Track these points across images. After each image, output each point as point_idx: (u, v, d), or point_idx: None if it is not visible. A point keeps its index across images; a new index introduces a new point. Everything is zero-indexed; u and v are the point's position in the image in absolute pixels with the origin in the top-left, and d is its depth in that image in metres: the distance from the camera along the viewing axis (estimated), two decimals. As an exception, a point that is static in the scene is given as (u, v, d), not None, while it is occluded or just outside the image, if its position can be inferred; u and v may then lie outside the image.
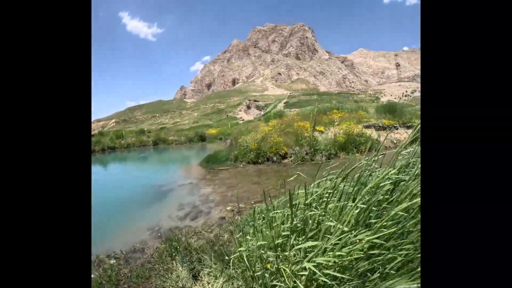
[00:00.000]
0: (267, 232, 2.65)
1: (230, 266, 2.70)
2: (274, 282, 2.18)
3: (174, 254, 3.54)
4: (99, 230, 4.76)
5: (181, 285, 2.81)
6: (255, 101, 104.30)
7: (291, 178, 2.93)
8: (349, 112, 16.93)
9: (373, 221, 2.17)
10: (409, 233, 2.08)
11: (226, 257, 2.83)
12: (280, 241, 2.36)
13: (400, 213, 1.98)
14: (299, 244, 2.14)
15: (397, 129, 15.57)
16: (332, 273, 1.87)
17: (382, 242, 1.94)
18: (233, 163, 10.97)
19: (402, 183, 2.48)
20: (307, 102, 72.29)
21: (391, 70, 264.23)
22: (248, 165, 10.69)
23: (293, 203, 2.43)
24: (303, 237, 2.29)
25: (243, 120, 63.65)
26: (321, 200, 2.58)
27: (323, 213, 2.34)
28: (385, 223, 1.97)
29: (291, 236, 2.31)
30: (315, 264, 1.94)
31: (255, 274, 2.32)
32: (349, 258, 1.86)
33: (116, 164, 16.75)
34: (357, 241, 1.90)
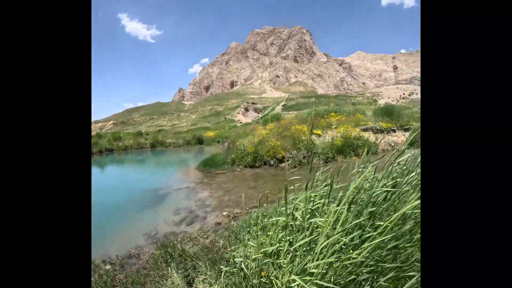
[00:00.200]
0: (262, 239, 2.65)
1: (224, 274, 2.69)
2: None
3: (169, 260, 3.53)
4: (95, 234, 4.73)
5: (175, 292, 2.80)
6: (253, 103, 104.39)
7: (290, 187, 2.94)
8: (347, 115, 16.98)
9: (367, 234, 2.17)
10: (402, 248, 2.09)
11: (222, 267, 2.83)
12: (274, 247, 2.37)
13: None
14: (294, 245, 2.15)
15: (394, 132, 15.64)
16: (324, 283, 1.88)
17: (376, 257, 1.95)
18: (230, 166, 10.95)
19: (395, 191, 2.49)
20: (305, 105, 72.42)
21: (389, 72, 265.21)
22: (245, 168, 10.67)
23: (288, 210, 2.45)
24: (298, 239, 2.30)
25: (241, 122, 63.66)
26: (313, 206, 2.59)
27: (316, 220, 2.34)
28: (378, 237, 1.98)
29: (285, 242, 2.32)
30: (306, 274, 1.95)
31: (250, 284, 2.32)
32: (340, 265, 1.87)
33: (113, 166, 16.69)
34: (350, 252, 1.91)
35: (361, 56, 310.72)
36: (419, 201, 2.08)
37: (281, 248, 2.37)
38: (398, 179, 2.60)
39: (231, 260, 2.73)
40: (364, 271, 1.98)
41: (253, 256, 2.44)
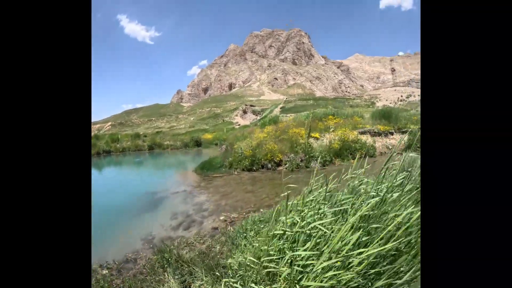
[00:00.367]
0: (258, 246, 2.67)
1: (221, 281, 2.70)
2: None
3: (166, 265, 3.53)
4: (92, 237, 4.72)
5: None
6: (251, 106, 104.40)
7: (282, 194, 2.96)
8: (345, 118, 17.01)
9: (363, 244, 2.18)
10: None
11: (217, 273, 2.84)
12: (269, 258, 2.37)
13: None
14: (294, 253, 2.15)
15: (392, 134, 15.69)
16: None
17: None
18: (227, 170, 10.95)
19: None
20: (303, 107, 72.46)
21: (387, 75, 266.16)
22: (243, 172, 10.67)
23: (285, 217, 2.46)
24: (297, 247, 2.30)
25: (239, 125, 63.67)
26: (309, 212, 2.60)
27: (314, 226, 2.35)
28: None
29: (285, 249, 2.33)
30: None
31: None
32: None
33: (111, 168, 16.66)
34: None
35: (359, 58, 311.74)
36: (413, 208, 2.12)
37: (281, 257, 2.37)
38: (390, 184, 2.62)
39: (229, 268, 2.75)
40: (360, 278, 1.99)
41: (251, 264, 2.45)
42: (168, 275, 3.23)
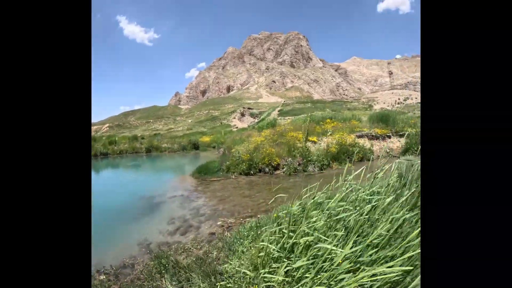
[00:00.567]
0: (255, 253, 2.68)
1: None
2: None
3: (163, 271, 3.54)
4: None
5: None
6: (249, 108, 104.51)
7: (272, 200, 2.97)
8: (343, 122, 17.07)
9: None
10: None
11: (214, 280, 2.85)
12: (266, 269, 2.38)
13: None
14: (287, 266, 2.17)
15: (390, 138, 15.74)
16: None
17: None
18: (225, 174, 10.94)
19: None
20: (301, 110, 72.67)
21: (384, 78, 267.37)
22: (240, 176, 10.65)
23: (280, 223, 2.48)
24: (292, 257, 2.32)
25: (237, 127, 63.67)
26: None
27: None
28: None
29: (281, 258, 2.35)
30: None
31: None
32: None
33: (108, 171, 16.60)
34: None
35: (357, 61, 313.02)
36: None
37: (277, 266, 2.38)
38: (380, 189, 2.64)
39: (224, 273, 2.76)
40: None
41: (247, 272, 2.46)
42: (165, 281, 3.24)
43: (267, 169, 10.95)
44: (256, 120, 75.68)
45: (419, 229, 1.86)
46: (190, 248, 4.36)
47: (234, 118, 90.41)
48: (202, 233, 5.13)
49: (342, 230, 2.29)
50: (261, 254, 2.59)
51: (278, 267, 2.31)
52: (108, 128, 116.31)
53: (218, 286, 2.63)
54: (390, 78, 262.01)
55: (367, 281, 1.84)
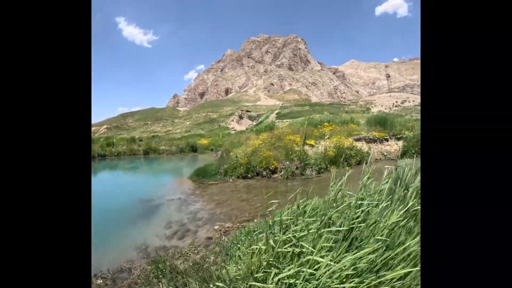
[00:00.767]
0: (248, 260, 2.69)
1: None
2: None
3: (160, 276, 3.55)
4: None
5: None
6: (247, 111, 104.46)
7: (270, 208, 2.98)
8: (340, 125, 17.12)
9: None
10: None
11: (211, 285, 2.85)
12: (260, 274, 2.39)
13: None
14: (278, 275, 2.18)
15: (387, 141, 15.81)
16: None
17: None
18: (222, 177, 10.92)
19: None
20: (299, 113, 72.66)
21: (382, 80, 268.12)
22: (238, 179, 10.64)
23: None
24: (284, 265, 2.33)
25: (235, 130, 63.57)
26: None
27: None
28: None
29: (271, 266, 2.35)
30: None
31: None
32: None
33: (106, 173, 16.54)
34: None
35: (355, 64, 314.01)
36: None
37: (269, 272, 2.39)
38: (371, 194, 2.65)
39: (219, 278, 2.77)
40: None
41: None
42: (162, 286, 3.25)
43: (264, 173, 10.94)
44: (254, 123, 75.67)
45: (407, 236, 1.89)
46: (187, 253, 4.37)
47: (232, 120, 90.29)
48: (199, 238, 5.13)
49: (331, 241, 2.30)
50: (254, 259, 2.60)
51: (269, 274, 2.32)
52: (106, 129, 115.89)
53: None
54: (387, 81, 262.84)
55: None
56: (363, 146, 14.61)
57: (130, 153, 25.19)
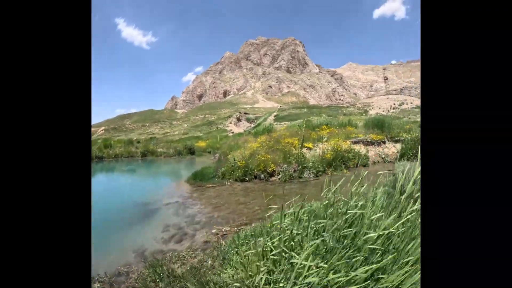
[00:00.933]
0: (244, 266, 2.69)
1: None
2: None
3: (158, 280, 3.54)
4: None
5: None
6: (245, 113, 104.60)
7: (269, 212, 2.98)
8: (338, 128, 17.18)
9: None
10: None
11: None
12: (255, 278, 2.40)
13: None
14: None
15: (385, 143, 15.87)
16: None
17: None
18: (220, 180, 10.90)
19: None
20: (297, 115, 72.88)
21: (380, 83, 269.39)
22: (235, 182, 10.62)
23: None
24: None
25: (233, 132, 63.64)
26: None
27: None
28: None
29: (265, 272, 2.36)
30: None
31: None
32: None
33: (103, 175, 16.48)
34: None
35: (353, 67, 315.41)
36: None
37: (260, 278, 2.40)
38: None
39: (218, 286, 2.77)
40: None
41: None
42: (160, 290, 3.25)
43: (262, 176, 10.92)
44: (252, 125, 75.76)
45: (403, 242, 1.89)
46: (184, 257, 4.36)
47: (230, 123, 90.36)
48: (197, 241, 5.12)
49: (323, 250, 2.31)
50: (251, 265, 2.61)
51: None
52: (103, 131, 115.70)
53: None
54: (385, 83, 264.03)
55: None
56: (361, 148, 14.65)
57: (128, 155, 25.15)
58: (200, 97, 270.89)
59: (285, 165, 11.09)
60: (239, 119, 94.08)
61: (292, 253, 2.27)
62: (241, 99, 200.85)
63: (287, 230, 2.60)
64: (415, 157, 11.76)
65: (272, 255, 2.42)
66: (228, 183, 10.50)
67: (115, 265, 4.32)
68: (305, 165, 11.31)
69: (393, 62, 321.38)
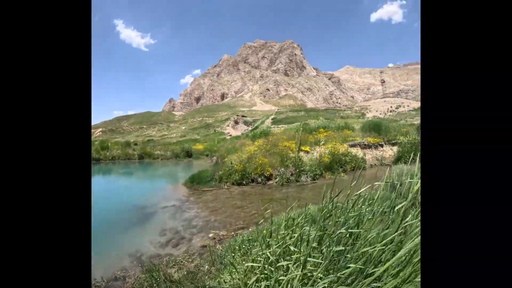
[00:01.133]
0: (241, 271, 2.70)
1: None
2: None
3: (154, 285, 3.54)
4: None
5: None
6: (243, 116, 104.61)
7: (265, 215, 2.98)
8: (335, 131, 17.23)
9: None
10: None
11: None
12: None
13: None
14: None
15: (382, 146, 15.92)
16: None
17: None
18: (217, 183, 10.88)
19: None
20: (295, 118, 72.99)
21: (377, 86, 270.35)
22: (233, 186, 10.60)
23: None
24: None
25: (230, 135, 63.57)
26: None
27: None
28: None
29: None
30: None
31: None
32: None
33: (100, 178, 16.39)
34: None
35: (350, 70, 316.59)
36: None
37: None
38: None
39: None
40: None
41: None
42: (157, 295, 3.24)
43: (259, 179, 10.91)
44: (250, 128, 75.78)
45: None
46: (181, 261, 4.35)
47: (228, 125, 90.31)
48: (193, 246, 5.11)
49: (320, 257, 2.31)
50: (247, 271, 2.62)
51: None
52: (101, 132, 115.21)
53: None
54: (382, 86, 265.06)
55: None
56: (358, 152, 14.70)
57: (125, 157, 25.06)
58: (198, 99, 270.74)
59: (283, 169, 11.10)
60: (236, 122, 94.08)
61: (284, 262, 2.28)
62: (238, 102, 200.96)
63: (283, 237, 2.62)
64: (413, 161, 11.82)
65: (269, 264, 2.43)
66: (225, 187, 10.48)
67: (112, 269, 4.31)
68: (302, 168, 11.33)
69: (390, 65, 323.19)
